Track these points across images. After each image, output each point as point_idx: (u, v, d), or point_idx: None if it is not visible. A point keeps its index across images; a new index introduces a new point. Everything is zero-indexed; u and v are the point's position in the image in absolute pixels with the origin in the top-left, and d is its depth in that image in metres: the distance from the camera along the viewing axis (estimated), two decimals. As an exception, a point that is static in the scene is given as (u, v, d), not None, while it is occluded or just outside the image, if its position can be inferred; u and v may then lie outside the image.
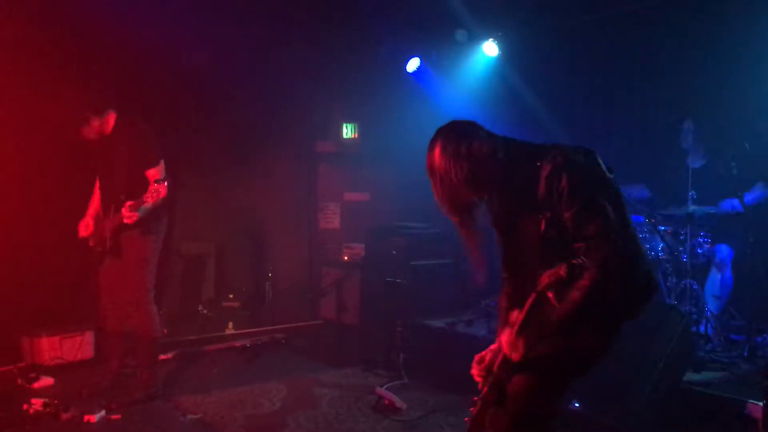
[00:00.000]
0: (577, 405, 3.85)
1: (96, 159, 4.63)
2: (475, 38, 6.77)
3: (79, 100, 4.67)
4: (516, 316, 2.33)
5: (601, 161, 2.40)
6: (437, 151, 2.39)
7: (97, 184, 4.73)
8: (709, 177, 5.08)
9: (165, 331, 5.57)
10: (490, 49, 6.76)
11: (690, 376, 4.17)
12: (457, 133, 2.43)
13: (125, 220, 4.25)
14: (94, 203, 4.71)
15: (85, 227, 4.63)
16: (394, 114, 7.27)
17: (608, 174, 2.38)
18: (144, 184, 4.29)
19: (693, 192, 4.83)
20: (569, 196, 2.26)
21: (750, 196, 4.91)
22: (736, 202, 4.88)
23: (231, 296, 6.69)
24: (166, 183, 4.19)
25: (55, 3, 5.26)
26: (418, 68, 7.10)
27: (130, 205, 4.22)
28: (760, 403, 3.60)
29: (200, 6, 5.64)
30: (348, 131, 7.68)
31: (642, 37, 5.72)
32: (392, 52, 7.05)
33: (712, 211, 4.94)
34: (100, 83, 4.61)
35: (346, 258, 6.98)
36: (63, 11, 5.23)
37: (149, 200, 4.17)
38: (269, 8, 6.17)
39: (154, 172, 4.38)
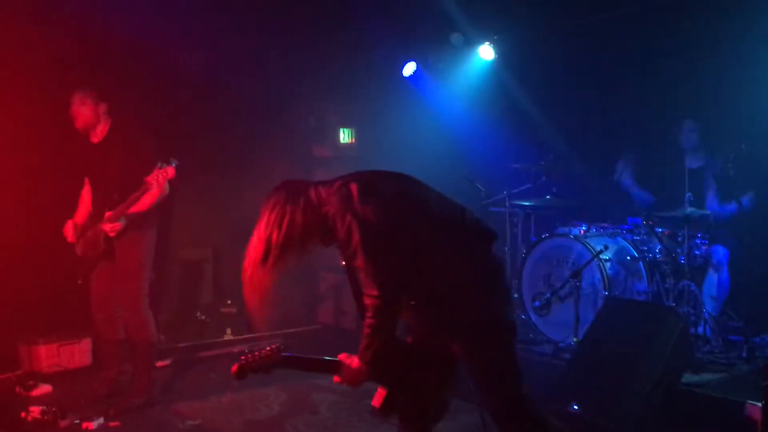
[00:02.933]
0: (575, 407, 3.84)
1: (88, 162, 4.61)
2: (471, 42, 6.78)
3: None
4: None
5: (373, 183, 2.59)
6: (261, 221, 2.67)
7: (86, 188, 4.72)
8: (707, 178, 5.10)
9: (163, 338, 5.56)
10: (486, 52, 6.77)
11: (688, 377, 4.18)
12: (270, 208, 2.65)
13: (110, 233, 4.27)
14: (83, 208, 4.69)
15: (68, 232, 4.61)
16: (391, 118, 7.27)
17: (384, 193, 2.55)
18: (138, 187, 4.26)
19: (690, 194, 4.85)
20: (336, 231, 2.52)
21: (744, 201, 4.93)
22: (727, 208, 4.95)
23: (229, 302, 6.67)
24: (173, 167, 4.16)
25: (52, 6, 5.25)
26: (415, 72, 7.10)
27: (108, 217, 4.24)
28: (760, 404, 3.61)
29: (197, 10, 5.64)
30: (345, 136, 7.68)
31: (638, 40, 5.74)
32: (388, 57, 7.05)
33: (707, 213, 4.97)
34: (96, 86, 4.59)
35: (343, 262, 6.97)
36: (59, 15, 5.23)
37: (154, 183, 4.14)
38: (266, 13, 6.18)
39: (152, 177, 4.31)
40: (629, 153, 5.68)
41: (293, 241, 2.57)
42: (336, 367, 2.61)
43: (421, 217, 2.56)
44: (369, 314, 2.48)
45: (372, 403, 2.70)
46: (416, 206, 2.58)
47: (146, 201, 4.34)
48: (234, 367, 2.54)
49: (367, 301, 2.48)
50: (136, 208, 4.32)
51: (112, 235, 4.28)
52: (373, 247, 2.45)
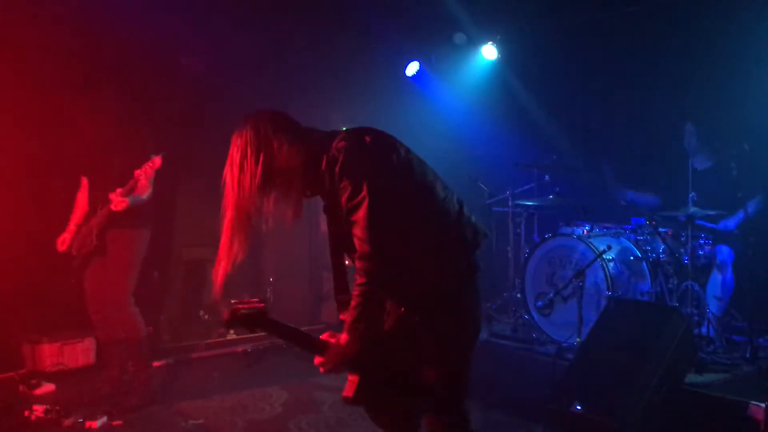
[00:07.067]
0: (578, 407, 3.84)
1: (88, 158, 4.62)
2: (474, 42, 6.79)
3: (75, 105, 4.67)
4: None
5: (389, 140, 2.48)
6: (234, 146, 2.45)
7: (79, 194, 4.73)
8: (712, 179, 5.09)
9: (150, 329, 5.51)
10: (489, 52, 6.77)
11: (691, 377, 4.17)
12: (259, 132, 2.41)
13: (114, 207, 4.23)
14: (77, 214, 4.70)
15: (62, 242, 4.62)
16: (394, 118, 7.25)
17: (398, 153, 2.42)
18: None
19: (693, 194, 4.83)
20: (342, 181, 2.29)
21: (751, 207, 4.92)
22: (730, 222, 4.94)
23: (232, 301, 6.67)
24: (160, 156, 4.20)
25: (51, 3, 5.25)
26: (418, 72, 7.11)
27: (120, 192, 4.24)
28: (763, 405, 3.60)
29: (199, 10, 5.64)
30: (348, 135, 7.68)
31: (642, 39, 5.73)
32: (391, 56, 7.05)
33: (710, 227, 4.99)
34: (96, 87, 4.60)
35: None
36: (58, 12, 5.22)
37: (142, 177, 4.17)
38: (268, 13, 6.17)
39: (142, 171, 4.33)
40: (607, 165, 5.58)
41: (272, 178, 2.35)
42: (321, 347, 2.37)
43: (423, 191, 2.40)
44: (360, 280, 2.29)
45: (343, 394, 2.51)
46: (422, 179, 2.43)
47: (142, 191, 4.38)
48: (225, 313, 2.36)
49: (360, 263, 2.28)
50: (138, 192, 4.35)
51: (117, 209, 4.25)
52: (379, 200, 2.25)
